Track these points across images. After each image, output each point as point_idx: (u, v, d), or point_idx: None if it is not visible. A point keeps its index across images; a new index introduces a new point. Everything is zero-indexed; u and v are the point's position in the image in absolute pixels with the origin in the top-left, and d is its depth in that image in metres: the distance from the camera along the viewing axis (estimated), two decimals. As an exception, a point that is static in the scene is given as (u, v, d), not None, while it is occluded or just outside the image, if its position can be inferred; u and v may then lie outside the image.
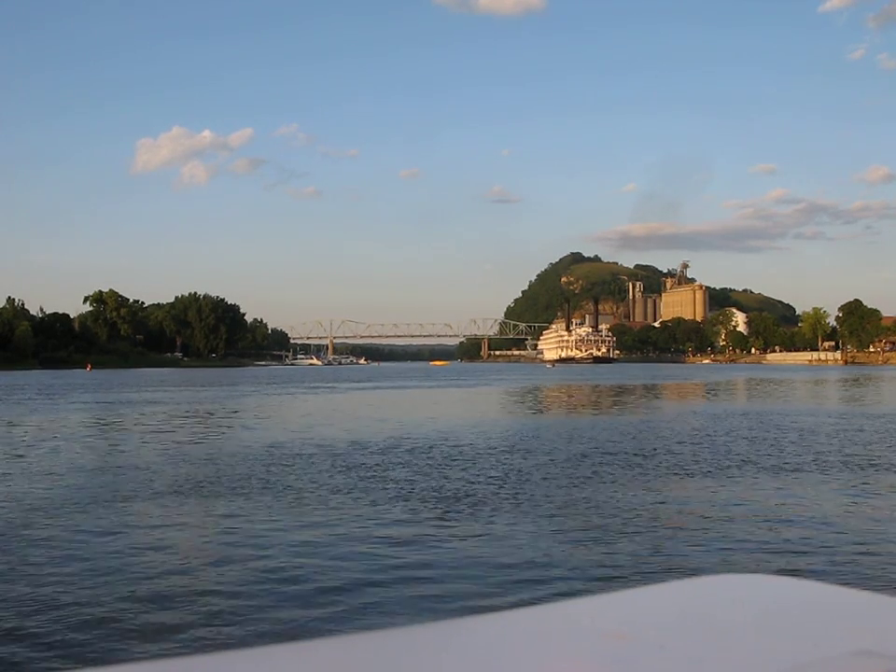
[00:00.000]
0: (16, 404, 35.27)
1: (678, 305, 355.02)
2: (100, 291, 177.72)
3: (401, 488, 11.46)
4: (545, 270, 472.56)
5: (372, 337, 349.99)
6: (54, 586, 6.72)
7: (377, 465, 13.88)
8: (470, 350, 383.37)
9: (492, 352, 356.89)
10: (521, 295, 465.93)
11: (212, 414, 28.57)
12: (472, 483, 11.95)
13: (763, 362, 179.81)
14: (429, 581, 6.85)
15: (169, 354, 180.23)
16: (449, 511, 9.79)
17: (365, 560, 7.52)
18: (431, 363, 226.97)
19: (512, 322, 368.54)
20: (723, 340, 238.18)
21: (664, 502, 10.49)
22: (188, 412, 30.23)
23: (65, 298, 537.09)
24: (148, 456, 15.71)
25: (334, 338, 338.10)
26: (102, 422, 25.63)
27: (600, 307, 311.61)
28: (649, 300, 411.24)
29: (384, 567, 7.30)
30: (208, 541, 8.50)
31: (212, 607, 6.18)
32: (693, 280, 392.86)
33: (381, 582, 6.79)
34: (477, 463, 14.12)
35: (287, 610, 6.09)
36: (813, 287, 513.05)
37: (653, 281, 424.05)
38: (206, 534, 8.84)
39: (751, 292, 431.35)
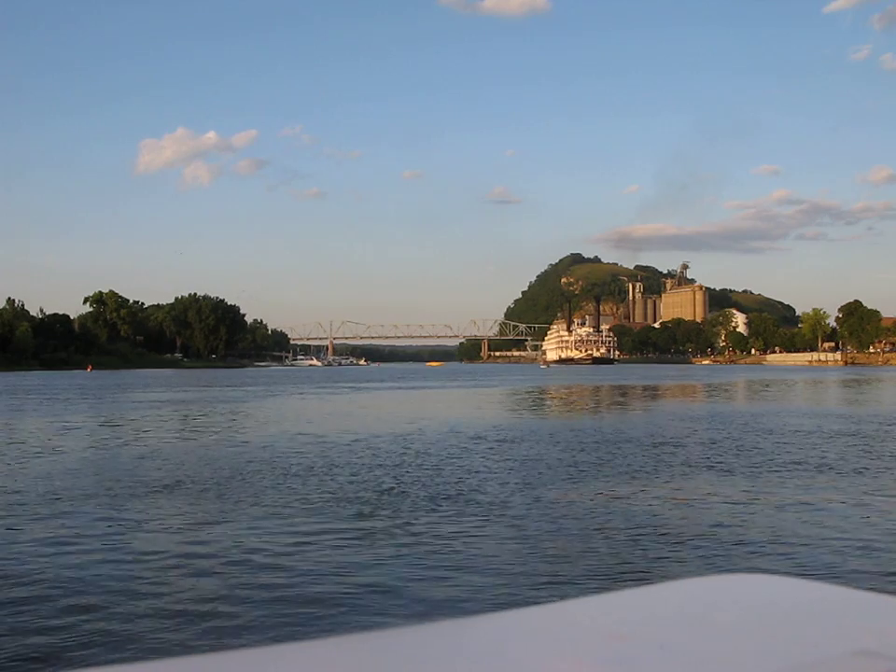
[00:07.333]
0: (72, 404, 35.39)
1: (678, 306, 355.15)
2: (100, 292, 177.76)
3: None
4: (545, 270, 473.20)
5: (372, 338, 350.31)
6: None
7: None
8: (470, 351, 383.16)
9: (492, 353, 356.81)
10: (521, 296, 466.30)
11: (281, 417, 28.23)
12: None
13: (763, 363, 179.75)
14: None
15: (169, 355, 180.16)
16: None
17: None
18: (427, 364, 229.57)
19: (512, 323, 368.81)
20: (723, 341, 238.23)
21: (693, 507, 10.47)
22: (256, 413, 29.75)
23: (65, 298, 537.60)
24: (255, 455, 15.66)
25: (334, 339, 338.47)
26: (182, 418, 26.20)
27: (600, 308, 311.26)
28: (648, 300, 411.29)
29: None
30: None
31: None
32: (692, 281, 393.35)
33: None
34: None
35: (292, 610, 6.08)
36: (813, 288, 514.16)
37: (653, 282, 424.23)
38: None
39: (751, 293, 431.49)
